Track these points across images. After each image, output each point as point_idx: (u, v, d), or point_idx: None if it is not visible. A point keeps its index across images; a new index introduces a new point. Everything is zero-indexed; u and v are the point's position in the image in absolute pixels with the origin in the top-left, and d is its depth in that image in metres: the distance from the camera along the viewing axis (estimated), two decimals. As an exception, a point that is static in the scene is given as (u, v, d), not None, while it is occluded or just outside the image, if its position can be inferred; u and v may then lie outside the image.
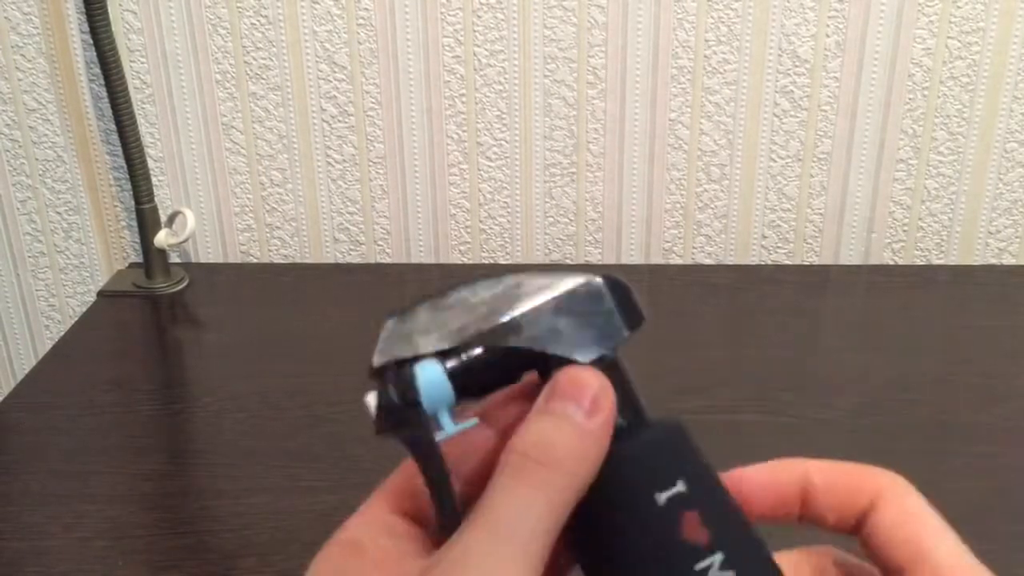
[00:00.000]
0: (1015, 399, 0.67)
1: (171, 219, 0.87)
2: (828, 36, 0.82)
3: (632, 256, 0.91)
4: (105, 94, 0.82)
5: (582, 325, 0.26)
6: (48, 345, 0.87)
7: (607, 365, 0.26)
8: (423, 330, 0.27)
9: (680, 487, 0.25)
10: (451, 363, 0.26)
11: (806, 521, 0.27)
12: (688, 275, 0.88)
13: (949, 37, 0.82)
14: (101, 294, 0.86)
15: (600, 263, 0.90)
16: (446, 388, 0.26)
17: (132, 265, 0.92)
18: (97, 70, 0.83)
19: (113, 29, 0.80)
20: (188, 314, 0.84)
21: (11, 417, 0.67)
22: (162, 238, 0.85)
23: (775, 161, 0.87)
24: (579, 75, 0.84)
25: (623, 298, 0.27)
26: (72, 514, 0.57)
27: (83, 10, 0.80)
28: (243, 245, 0.92)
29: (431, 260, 0.92)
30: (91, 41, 0.80)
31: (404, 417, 0.26)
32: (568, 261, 0.91)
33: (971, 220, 0.88)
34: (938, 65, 0.83)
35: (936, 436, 0.63)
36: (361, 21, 0.83)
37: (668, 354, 0.70)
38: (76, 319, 0.83)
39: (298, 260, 0.92)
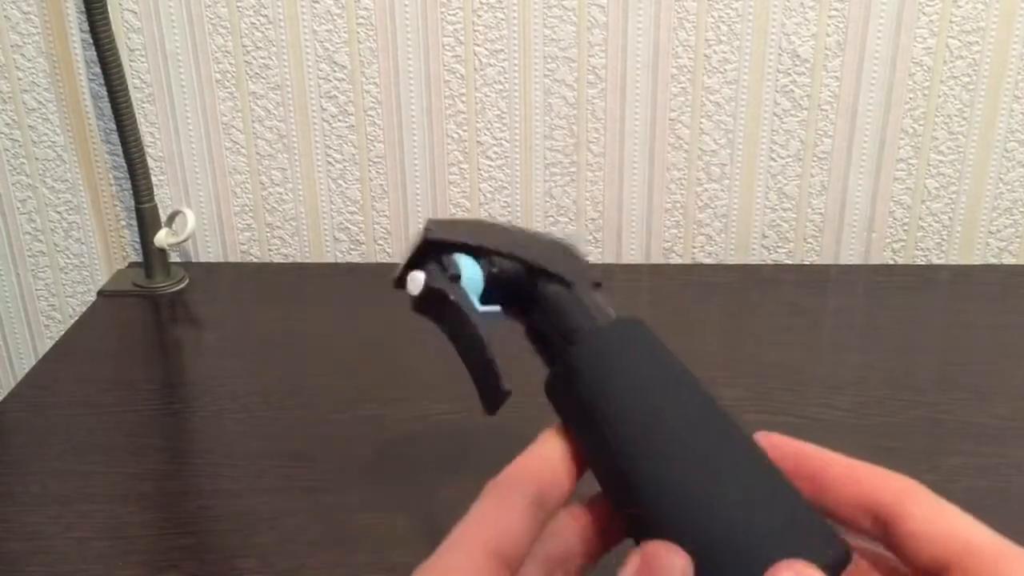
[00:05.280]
0: (1015, 399, 0.67)
1: (171, 219, 0.87)
2: (828, 35, 0.82)
3: (632, 255, 0.91)
4: (105, 94, 0.82)
5: (571, 263, 0.33)
6: (48, 345, 0.87)
7: (580, 287, 0.33)
8: (464, 231, 0.33)
9: None
10: (483, 263, 0.32)
11: (815, 503, 0.28)
12: (688, 275, 0.88)
13: (949, 36, 0.82)
14: (101, 294, 0.86)
15: (600, 262, 0.90)
16: (479, 277, 0.32)
17: (132, 265, 0.92)
18: (97, 70, 0.83)
19: (113, 29, 0.80)
20: (188, 314, 0.84)
21: (11, 417, 0.67)
22: (162, 238, 0.85)
23: (775, 160, 0.87)
24: (579, 75, 0.84)
25: (586, 262, 0.35)
26: (72, 514, 0.57)
27: (83, 10, 0.80)
28: (243, 245, 0.92)
29: (431, 260, 0.92)
30: (91, 41, 0.80)
31: (444, 293, 0.31)
32: (568, 261, 0.91)
33: (971, 220, 0.88)
34: (938, 64, 0.83)
35: (936, 436, 0.63)
36: (361, 21, 0.83)
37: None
38: (76, 319, 0.83)
39: (298, 260, 0.92)
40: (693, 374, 0.29)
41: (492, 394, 0.30)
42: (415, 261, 0.32)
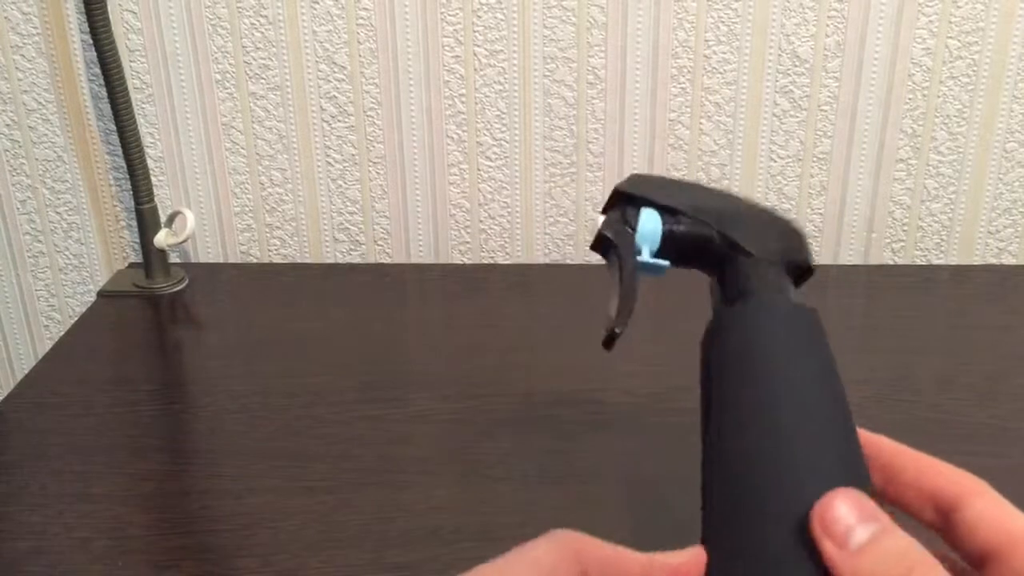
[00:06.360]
0: (1015, 399, 0.67)
1: (171, 219, 0.87)
2: (828, 36, 0.82)
3: (632, 256, 0.90)
4: (105, 94, 0.82)
5: (768, 240, 0.34)
6: (48, 345, 0.87)
7: (778, 266, 0.33)
8: (662, 188, 0.36)
9: None
10: (668, 220, 0.35)
11: (887, 497, 0.29)
12: (688, 275, 0.88)
13: (949, 37, 0.82)
14: (101, 294, 0.86)
15: (600, 263, 0.90)
16: (657, 233, 0.34)
17: (132, 265, 0.92)
18: (97, 70, 0.83)
19: (113, 29, 0.80)
20: (188, 314, 0.84)
21: (11, 417, 0.67)
22: (162, 238, 0.85)
23: (775, 161, 0.87)
24: (579, 75, 0.84)
25: (805, 246, 0.35)
26: (72, 514, 0.57)
27: (83, 10, 0.80)
28: (243, 245, 0.92)
29: (431, 260, 0.92)
30: (91, 41, 0.80)
31: (611, 240, 0.35)
32: (568, 261, 0.91)
33: (971, 220, 0.88)
34: (938, 65, 0.83)
35: (936, 436, 0.63)
36: (361, 21, 0.83)
37: (669, 353, 0.70)
38: (76, 319, 0.83)
39: (298, 260, 0.92)
40: (838, 377, 0.30)
41: (610, 331, 0.33)
42: (608, 207, 0.36)
